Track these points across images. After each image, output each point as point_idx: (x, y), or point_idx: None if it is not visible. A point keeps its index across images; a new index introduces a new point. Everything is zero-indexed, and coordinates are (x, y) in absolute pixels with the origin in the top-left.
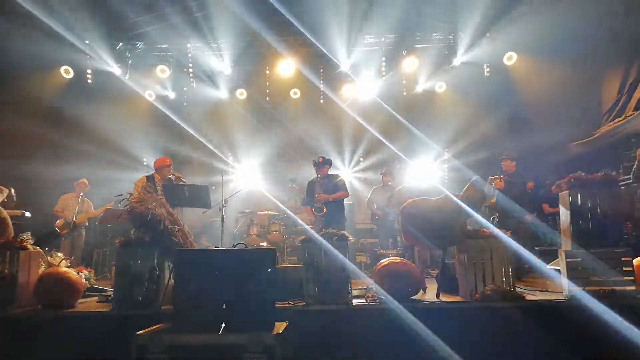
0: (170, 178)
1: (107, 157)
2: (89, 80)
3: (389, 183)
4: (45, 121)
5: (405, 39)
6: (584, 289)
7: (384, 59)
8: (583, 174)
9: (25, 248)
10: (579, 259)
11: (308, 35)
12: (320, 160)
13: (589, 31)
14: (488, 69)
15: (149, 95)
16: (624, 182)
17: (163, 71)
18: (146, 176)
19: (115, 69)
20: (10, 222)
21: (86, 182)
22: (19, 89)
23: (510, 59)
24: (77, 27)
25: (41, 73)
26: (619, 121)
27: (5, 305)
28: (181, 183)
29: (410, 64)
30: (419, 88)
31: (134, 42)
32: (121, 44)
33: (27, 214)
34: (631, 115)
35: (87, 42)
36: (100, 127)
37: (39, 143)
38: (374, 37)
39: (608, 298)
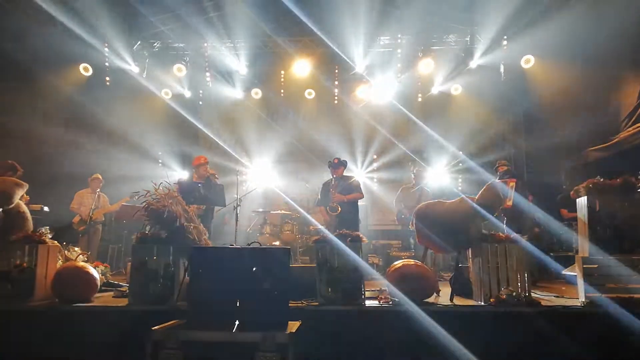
0: (208, 177)
1: (124, 154)
2: (107, 78)
3: (419, 183)
4: (64, 117)
5: (421, 41)
6: (601, 296)
7: (399, 60)
8: (601, 179)
9: (43, 242)
10: (596, 265)
11: (323, 37)
12: (336, 161)
13: (607, 35)
14: (504, 72)
15: (165, 94)
16: None
17: (180, 70)
18: (179, 179)
19: (133, 67)
20: (29, 217)
21: (100, 177)
22: (38, 85)
23: (528, 62)
24: (96, 25)
25: (60, 70)
26: (637, 127)
27: (24, 298)
28: (215, 181)
29: (426, 65)
30: (435, 90)
31: (152, 41)
32: (139, 42)
33: (46, 209)
34: None
35: (105, 40)
36: (118, 124)
37: (57, 139)
38: (390, 39)
39: (625, 304)
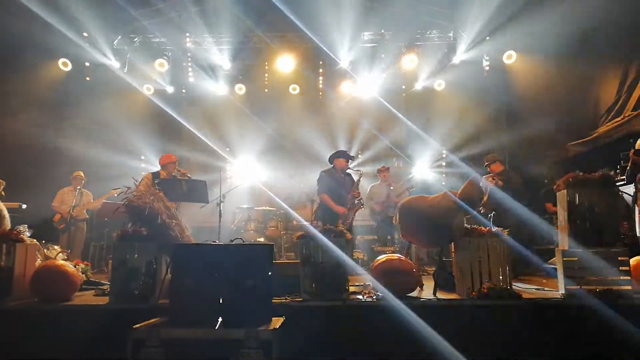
0: (174, 175)
1: (105, 151)
2: (87, 74)
3: (387, 180)
4: (43, 113)
5: (404, 37)
6: (580, 288)
7: (383, 56)
8: (581, 173)
9: (21, 240)
10: (576, 258)
11: (307, 32)
12: (348, 154)
13: (588, 31)
14: (487, 67)
15: (147, 89)
16: (620, 183)
17: (162, 65)
18: (152, 173)
19: (113, 62)
20: (6, 214)
21: (82, 174)
22: (15, 80)
23: (510, 57)
24: (76, 19)
25: (39, 65)
26: (617, 121)
27: (1, 298)
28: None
29: (409, 61)
30: (419, 85)
31: (133, 35)
32: (120, 37)
33: (24, 206)
34: (630, 115)
35: (85, 34)
36: (98, 120)
37: (36, 136)
38: (374, 34)
39: (605, 297)
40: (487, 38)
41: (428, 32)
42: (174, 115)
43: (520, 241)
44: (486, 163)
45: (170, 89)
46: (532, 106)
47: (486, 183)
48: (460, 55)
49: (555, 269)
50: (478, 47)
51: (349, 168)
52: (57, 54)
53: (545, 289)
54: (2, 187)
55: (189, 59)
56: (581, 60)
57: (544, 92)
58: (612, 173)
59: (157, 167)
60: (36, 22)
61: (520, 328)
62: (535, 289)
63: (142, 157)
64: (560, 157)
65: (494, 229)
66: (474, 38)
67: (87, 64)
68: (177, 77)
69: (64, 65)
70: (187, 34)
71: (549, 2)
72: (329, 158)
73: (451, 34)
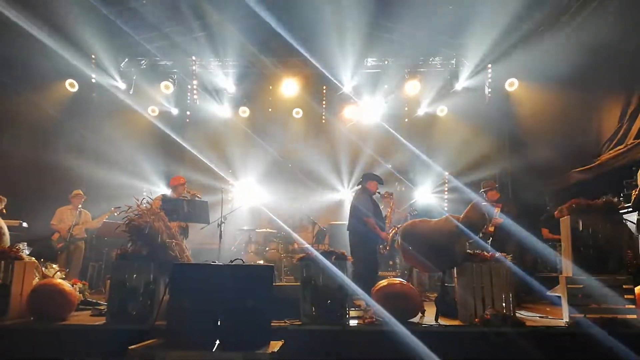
0: (185, 196)
1: (108, 171)
2: (94, 95)
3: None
4: (48, 133)
5: (407, 63)
6: (585, 316)
7: (386, 81)
8: (584, 200)
9: (20, 258)
10: (580, 286)
11: (310, 59)
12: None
13: (589, 59)
14: (489, 94)
15: (152, 111)
16: (624, 211)
17: (167, 87)
18: (162, 195)
19: (120, 84)
20: (6, 232)
21: (81, 193)
22: (22, 100)
23: (512, 85)
24: (84, 41)
25: (46, 86)
26: (620, 149)
27: None
28: (197, 199)
29: (412, 87)
30: (421, 111)
31: (139, 58)
32: (126, 59)
33: (24, 225)
34: (632, 143)
35: (92, 56)
36: (103, 141)
37: (40, 154)
38: (377, 60)
39: (609, 325)
40: (489, 66)
41: (430, 59)
42: (177, 137)
43: (523, 268)
44: (483, 189)
45: (175, 111)
46: (534, 133)
47: (492, 209)
48: (463, 82)
49: (559, 296)
50: (480, 74)
51: (377, 192)
52: (64, 75)
53: (549, 317)
54: (3, 204)
55: (194, 82)
56: (583, 87)
57: (546, 119)
58: (615, 199)
59: (159, 188)
60: (45, 43)
61: (524, 356)
62: (539, 316)
63: (145, 179)
64: (562, 185)
65: (497, 254)
66: (476, 65)
67: (94, 84)
68: (182, 99)
69: (71, 86)
70: (193, 58)
71: (550, 30)
72: (362, 178)
73: (453, 61)
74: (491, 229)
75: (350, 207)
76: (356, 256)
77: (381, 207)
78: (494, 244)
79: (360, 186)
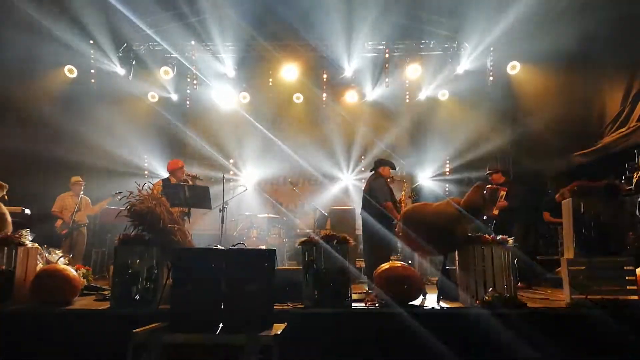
0: (185, 179)
1: (109, 157)
2: (93, 80)
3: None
4: (48, 120)
5: (409, 46)
6: (586, 297)
7: (387, 65)
8: (586, 182)
9: (23, 244)
10: (582, 267)
11: (310, 42)
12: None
13: (592, 42)
14: (491, 78)
15: (152, 97)
16: (626, 193)
17: (167, 73)
18: (162, 180)
19: (119, 69)
20: (9, 218)
21: (81, 180)
22: (21, 86)
23: (514, 68)
24: (82, 27)
25: (45, 72)
26: (622, 132)
27: (2, 301)
28: (198, 182)
29: (413, 71)
30: (422, 95)
31: (138, 43)
32: (125, 44)
33: (27, 211)
34: (635, 125)
35: (91, 42)
36: (103, 126)
37: (40, 142)
38: (378, 44)
39: (610, 307)
40: (491, 49)
41: (432, 43)
42: (178, 123)
43: (526, 251)
44: (488, 172)
45: (174, 97)
46: (536, 116)
47: (497, 193)
48: (464, 65)
49: (561, 279)
50: (482, 58)
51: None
52: (63, 60)
53: (551, 298)
54: (5, 190)
55: (194, 67)
56: (585, 70)
57: (548, 102)
58: (617, 182)
59: (158, 174)
60: (43, 29)
61: (525, 337)
62: (540, 298)
63: (145, 164)
64: (564, 167)
65: (498, 237)
66: (478, 49)
67: (92, 70)
68: (181, 85)
69: (70, 72)
70: (193, 43)
71: (551, 12)
72: (375, 164)
73: (455, 45)
74: (495, 212)
75: (365, 193)
76: (372, 240)
77: None
78: (498, 227)
79: (373, 172)
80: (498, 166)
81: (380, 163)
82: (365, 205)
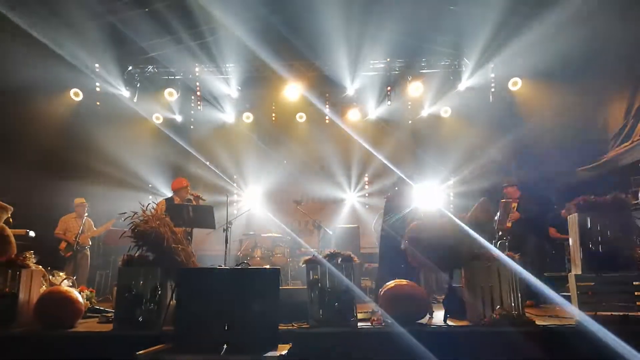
0: (189, 199)
1: (114, 180)
2: (98, 103)
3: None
4: (53, 143)
5: (410, 64)
6: (595, 314)
7: (389, 83)
8: (592, 196)
9: (27, 266)
10: (590, 283)
11: (313, 61)
12: None
13: (593, 56)
14: (493, 94)
15: (156, 119)
16: (633, 207)
17: (171, 94)
18: (165, 199)
19: (124, 91)
20: (13, 241)
21: (84, 201)
22: (27, 110)
23: (515, 84)
24: (88, 50)
25: (50, 95)
26: (626, 146)
27: (6, 324)
28: (201, 202)
29: (415, 89)
30: (424, 113)
31: (143, 66)
32: (130, 67)
33: (31, 234)
34: (638, 139)
35: (97, 65)
36: (108, 149)
37: (46, 164)
38: (380, 62)
39: (620, 324)
40: (492, 65)
41: (433, 60)
42: (182, 143)
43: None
44: (503, 185)
45: (179, 118)
46: (539, 131)
47: (509, 205)
48: (466, 82)
49: (569, 296)
50: (483, 74)
51: None
52: (68, 83)
53: (559, 316)
54: (10, 212)
55: (198, 88)
56: (587, 85)
57: (550, 117)
58: (623, 196)
59: (163, 192)
60: (49, 52)
61: (534, 356)
62: (549, 316)
63: (150, 185)
64: (568, 183)
65: (503, 254)
66: (479, 65)
67: (98, 93)
68: (186, 106)
69: (76, 95)
70: (197, 64)
71: (552, 28)
72: (397, 182)
73: (456, 62)
74: (509, 224)
75: (386, 211)
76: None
77: None
78: (512, 241)
79: (397, 188)
80: (513, 180)
81: (401, 182)
82: (383, 224)
